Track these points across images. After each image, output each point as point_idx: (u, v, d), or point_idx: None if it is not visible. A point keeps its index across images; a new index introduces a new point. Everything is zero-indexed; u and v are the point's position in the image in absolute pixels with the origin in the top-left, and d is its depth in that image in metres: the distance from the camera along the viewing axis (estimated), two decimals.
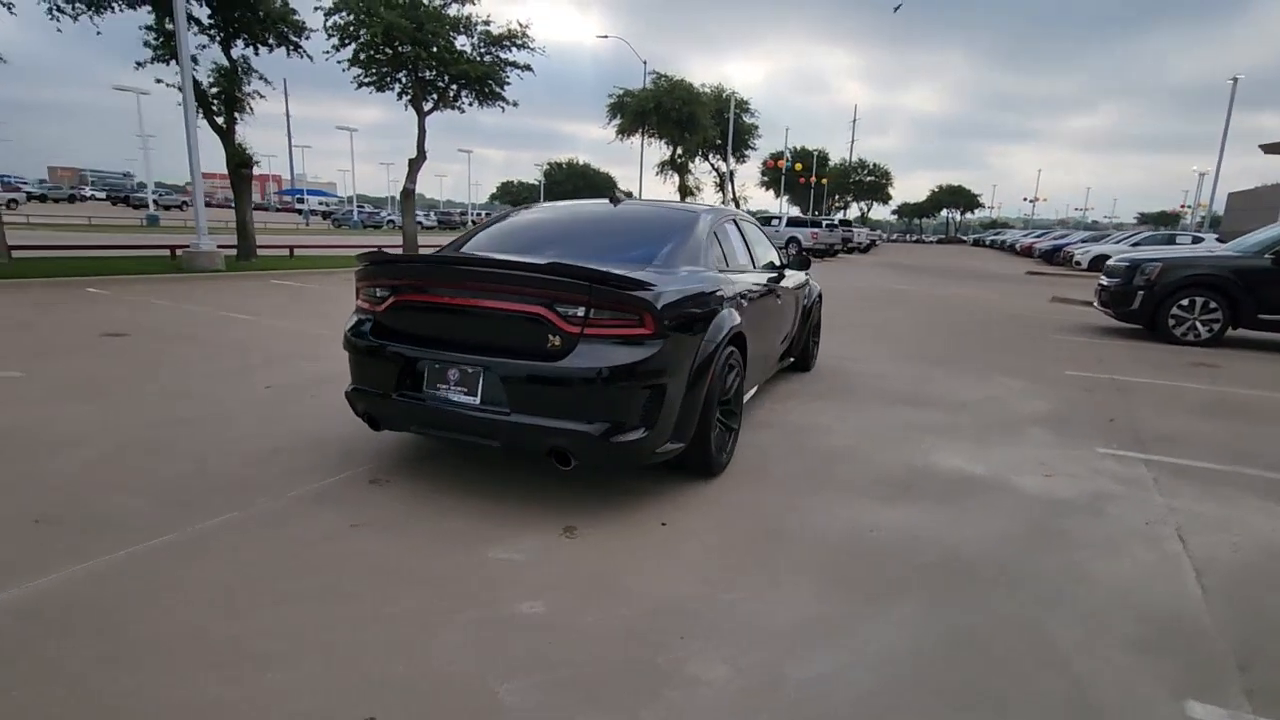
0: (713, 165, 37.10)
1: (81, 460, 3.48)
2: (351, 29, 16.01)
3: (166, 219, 35.95)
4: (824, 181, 60.22)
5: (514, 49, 18.54)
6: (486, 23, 18.14)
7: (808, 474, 3.78)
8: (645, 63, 30.98)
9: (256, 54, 14.36)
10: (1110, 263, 9.81)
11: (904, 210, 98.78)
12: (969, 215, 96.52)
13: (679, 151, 31.67)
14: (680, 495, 3.37)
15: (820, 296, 6.65)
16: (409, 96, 17.41)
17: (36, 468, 3.37)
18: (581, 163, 68.27)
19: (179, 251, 12.65)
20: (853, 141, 67.60)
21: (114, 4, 12.56)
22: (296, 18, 14.65)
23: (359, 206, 59.06)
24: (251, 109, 14.30)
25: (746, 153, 37.52)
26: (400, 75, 17.23)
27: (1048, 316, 11.64)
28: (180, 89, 11.88)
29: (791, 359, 6.01)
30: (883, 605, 2.47)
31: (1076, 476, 3.88)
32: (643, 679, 2.02)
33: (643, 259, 3.51)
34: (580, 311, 2.88)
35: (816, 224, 30.22)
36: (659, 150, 32.57)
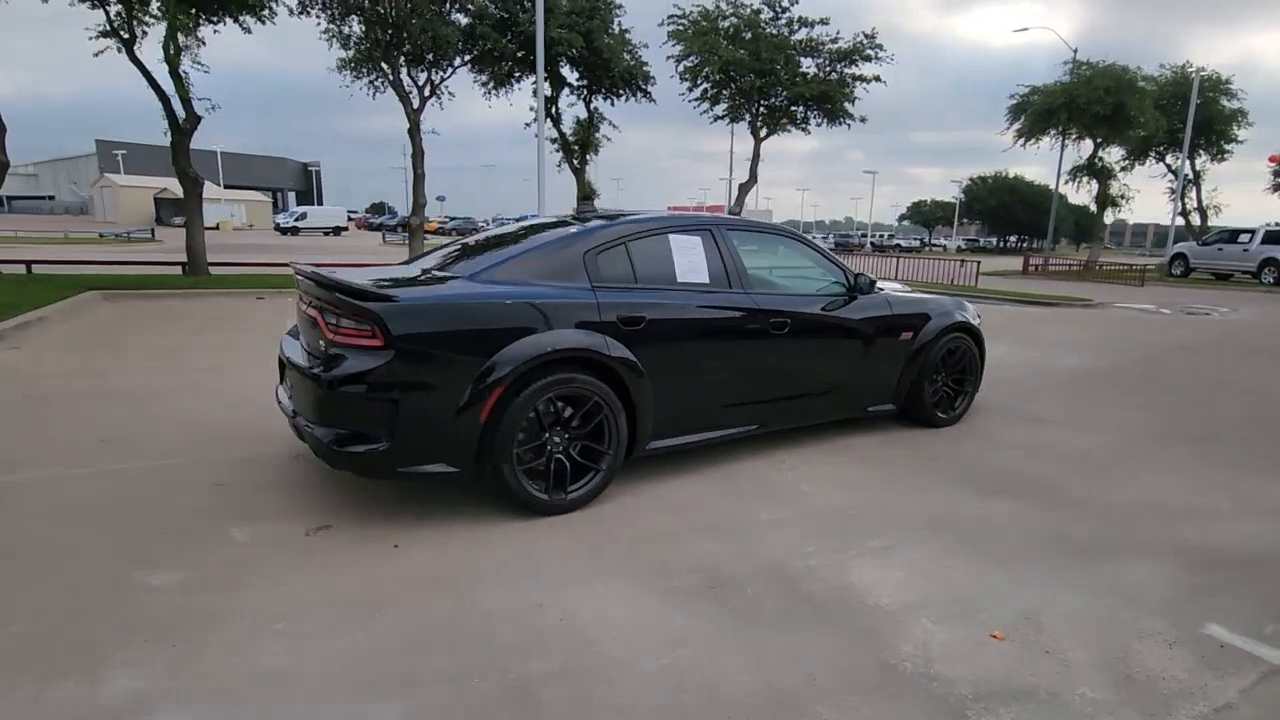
0: (1169, 166, 28.84)
1: None
2: (696, 68, 17.65)
3: None
4: None
5: (860, 61, 17.87)
6: (834, 40, 17.89)
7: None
8: (1075, 51, 25.89)
9: (613, 105, 17.06)
10: None
11: None
12: None
13: (1098, 153, 25.57)
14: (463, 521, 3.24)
15: (963, 335, 5.05)
16: (751, 122, 18.29)
17: None
18: (1013, 175, 60.12)
19: None
20: None
21: (513, 81, 16.44)
22: (646, 68, 16.89)
23: None
24: (597, 149, 17.06)
25: (1227, 148, 28.06)
26: (750, 105, 18.21)
27: None
28: (541, 138, 14.99)
29: (890, 405, 4.77)
30: None
31: None
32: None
33: (469, 271, 3.44)
34: (335, 320, 3.09)
35: None
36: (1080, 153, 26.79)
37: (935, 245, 64.39)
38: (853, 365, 4.53)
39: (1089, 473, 4.13)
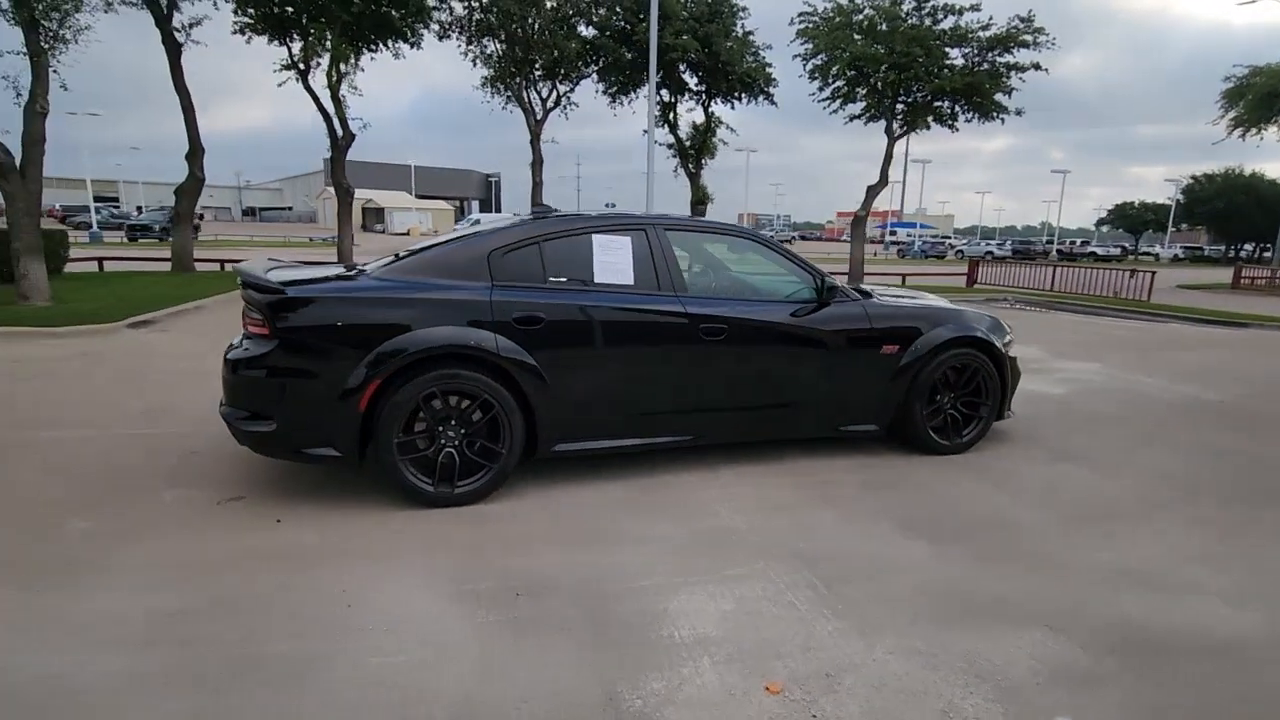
0: None
1: None
2: (825, 66, 16.86)
3: None
4: None
5: (1015, 49, 16.14)
6: (985, 27, 16.33)
7: None
8: None
9: (732, 108, 16.83)
10: None
11: None
12: None
13: None
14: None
15: (972, 352, 4.42)
16: (886, 121, 17.15)
17: None
18: (1249, 172, 50.61)
19: None
20: None
21: (634, 90, 16.79)
22: (769, 69, 16.47)
23: (920, 237, 58.47)
24: (713, 154, 16.88)
25: None
26: (886, 102, 17.10)
27: None
28: (660, 144, 15.18)
29: (871, 426, 4.30)
30: None
31: None
32: None
33: (378, 268, 3.61)
34: (246, 311, 3.41)
35: None
36: None
37: (1145, 254, 55.92)
38: (816, 379, 4.15)
39: (1076, 524, 3.45)
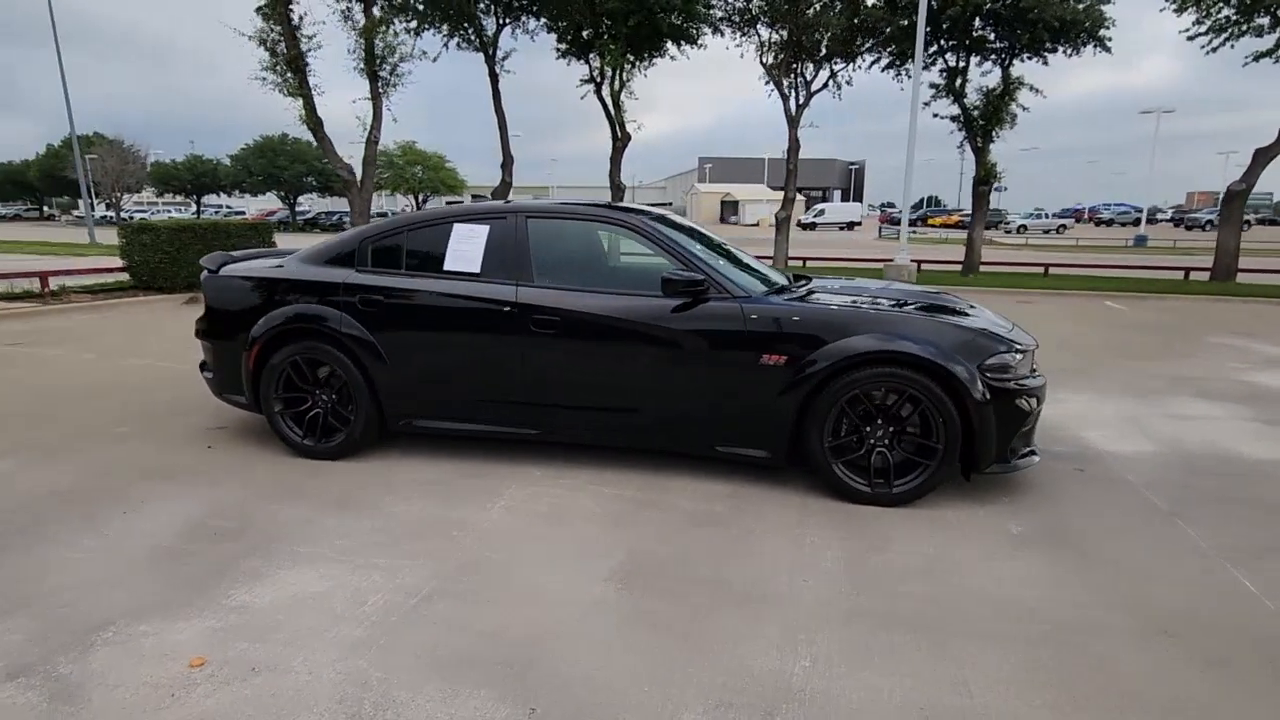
0: None
1: None
2: None
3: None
4: None
5: None
6: None
7: None
8: None
9: (1045, 64, 13.64)
10: None
11: None
12: None
13: None
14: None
15: (909, 374, 3.28)
16: None
17: None
18: None
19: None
20: None
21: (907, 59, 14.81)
22: (1103, 5, 12.91)
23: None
24: (1013, 123, 13.86)
25: None
26: None
27: None
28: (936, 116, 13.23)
29: (760, 452, 3.56)
30: None
31: None
32: None
33: (300, 253, 4.30)
34: None
35: None
36: None
37: None
38: (664, 385, 3.60)
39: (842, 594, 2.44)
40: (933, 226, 50.44)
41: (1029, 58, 13.69)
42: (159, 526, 3.16)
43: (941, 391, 3.27)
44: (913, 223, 50.62)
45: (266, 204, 56.70)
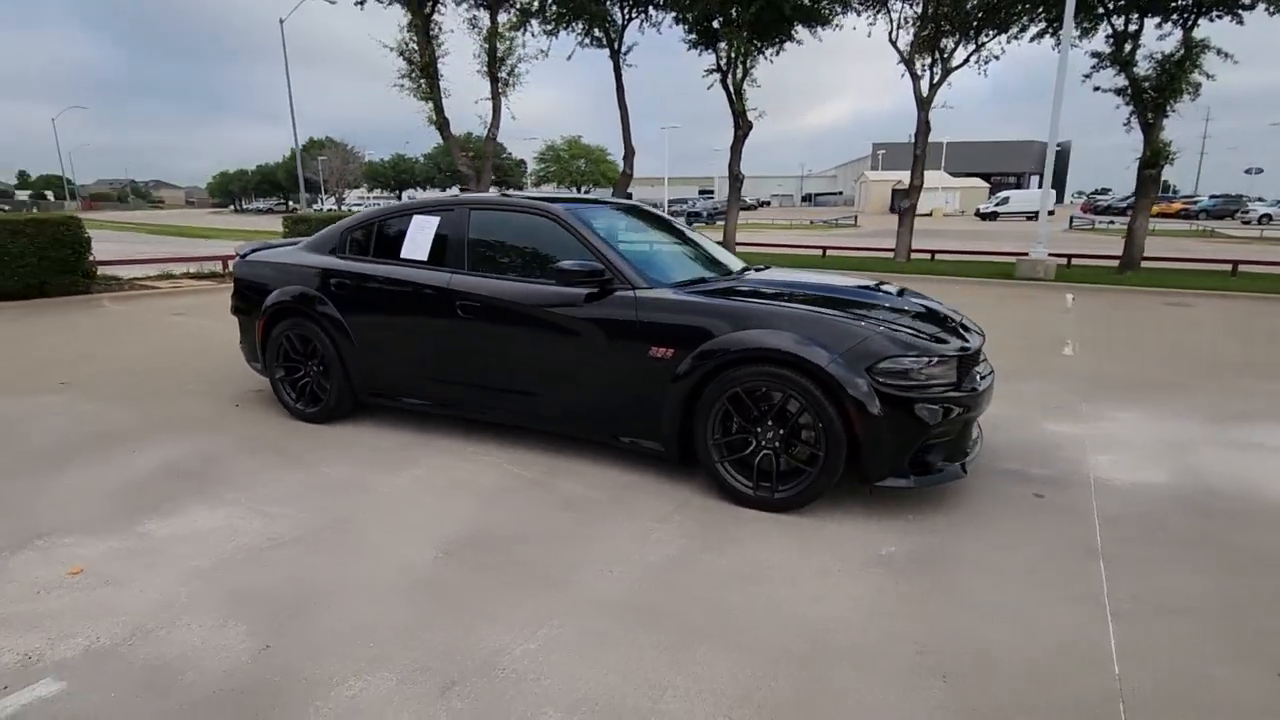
0: None
1: None
2: None
3: None
4: None
5: None
6: None
7: None
8: None
9: (1241, 24, 11.35)
10: None
11: None
12: None
13: None
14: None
15: (789, 374, 3.09)
16: None
17: None
18: None
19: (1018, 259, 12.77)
20: None
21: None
22: None
23: None
24: (1193, 92, 11.65)
25: None
26: None
27: None
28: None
29: (655, 444, 3.56)
30: None
31: None
32: None
33: (303, 242, 4.88)
34: None
35: None
36: None
37: None
38: (559, 372, 3.72)
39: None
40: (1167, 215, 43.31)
41: (1220, 15, 11.48)
42: (144, 463, 3.85)
43: (820, 394, 3.05)
44: (1118, 211, 43.76)
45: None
